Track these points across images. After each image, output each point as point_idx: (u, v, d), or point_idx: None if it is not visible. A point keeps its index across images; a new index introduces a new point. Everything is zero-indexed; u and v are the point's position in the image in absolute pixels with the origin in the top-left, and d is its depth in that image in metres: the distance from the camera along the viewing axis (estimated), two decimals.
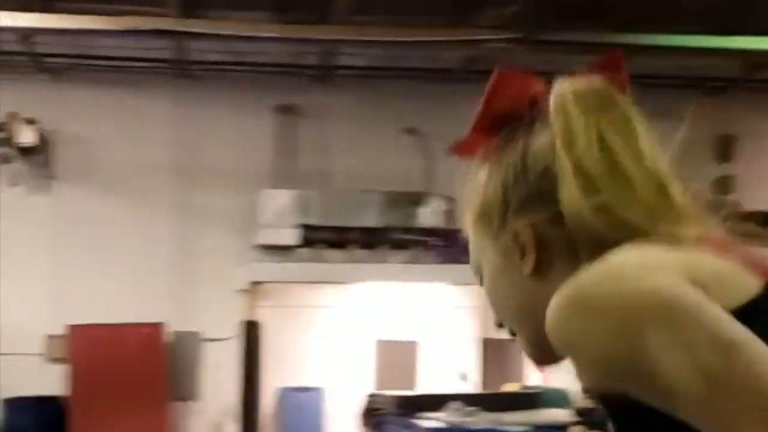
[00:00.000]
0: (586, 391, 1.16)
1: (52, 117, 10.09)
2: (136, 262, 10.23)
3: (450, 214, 9.49)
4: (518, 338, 1.31)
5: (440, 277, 9.33)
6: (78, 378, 9.80)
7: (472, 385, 9.97)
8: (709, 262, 1.16)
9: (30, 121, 9.91)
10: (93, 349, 9.84)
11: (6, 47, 9.58)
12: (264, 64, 10.08)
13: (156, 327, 9.86)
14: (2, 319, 10.06)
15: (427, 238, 9.55)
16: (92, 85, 10.20)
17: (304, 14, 8.77)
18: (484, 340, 10.11)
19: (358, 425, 8.89)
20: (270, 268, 9.59)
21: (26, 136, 9.90)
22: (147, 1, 8.48)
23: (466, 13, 8.65)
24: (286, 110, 10.30)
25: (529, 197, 1.27)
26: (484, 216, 1.33)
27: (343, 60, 9.97)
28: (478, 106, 1.36)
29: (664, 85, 9.68)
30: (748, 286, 1.15)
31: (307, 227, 9.63)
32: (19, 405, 9.73)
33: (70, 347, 9.82)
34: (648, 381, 1.04)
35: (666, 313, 1.04)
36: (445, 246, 9.37)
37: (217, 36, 8.48)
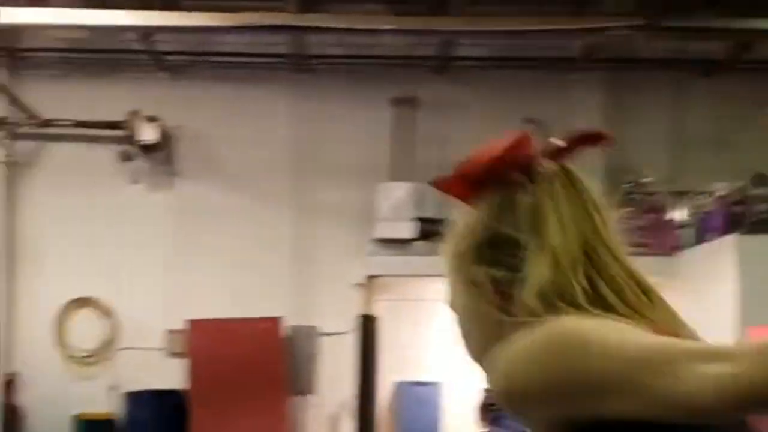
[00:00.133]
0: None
1: (173, 114, 10.41)
2: (255, 257, 10.44)
3: None
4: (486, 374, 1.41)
5: None
6: (197, 372, 10.04)
7: None
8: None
9: (151, 119, 10.22)
10: (212, 344, 10.06)
11: (127, 46, 9.91)
12: (382, 57, 10.24)
13: (274, 321, 10.04)
14: (124, 314, 10.42)
15: None
16: (212, 82, 10.50)
17: (422, 6, 8.86)
18: None
19: (475, 420, 8.88)
20: (387, 262, 9.70)
21: (147, 134, 10.19)
22: None
23: (586, 1, 8.60)
24: (404, 102, 10.40)
25: (499, 253, 1.41)
26: (459, 258, 1.46)
27: (462, 51, 10.06)
28: (476, 156, 1.46)
29: None
30: None
31: (424, 220, 9.70)
32: (139, 398, 10.04)
33: (189, 342, 10.09)
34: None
35: (586, 348, 1.24)
36: None
37: (335, 30, 8.63)
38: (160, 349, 10.34)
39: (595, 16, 8.61)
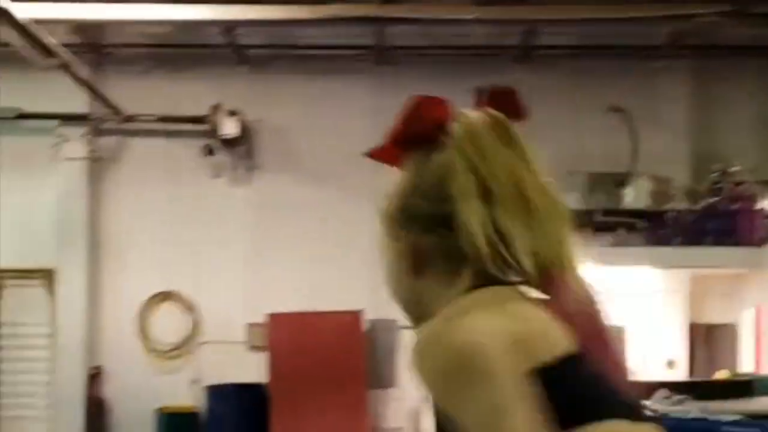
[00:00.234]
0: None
1: (254, 108, 10.61)
2: (335, 250, 10.56)
3: (657, 194, 9.40)
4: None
5: (647, 261, 9.24)
6: (278, 366, 10.19)
7: (680, 372, 9.83)
8: (539, 317, 1.44)
9: (232, 113, 10.38)
10: (292, 338, 10.19)
11: (209, 40, 10.09)
12: (463, 47, 10.32)
13: (354, 315, 10.14)
14: (205, 308, 10.60)
15: (633, 220, 9.48)
16: (293, 75, 10.67)
17: None
18: (692, 325, 9.96)
19: None
20: None
21: (229, 128, 10.37)
22: None
23: None
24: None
25: (421, 210, 1.53)
26: (387, 218, 1.62)
27: (544, 39, 10.07)
28: (395, 123, 1.60)
29: None
30: (563, 342, 1.44)
31: None
32: (220, 392, 10.22)
33: (270, 335, 10.24)
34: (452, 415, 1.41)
35: (467, 373, 1.37)
36: (652, 228, 9.29)
37: (417, 20, 8.68)
38: (241, 343, 10.49)
39: (682, 2, 8.56)
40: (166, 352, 10.72)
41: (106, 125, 10.63)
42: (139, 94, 10.56)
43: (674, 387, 7.94)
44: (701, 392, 7.80)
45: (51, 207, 10.61)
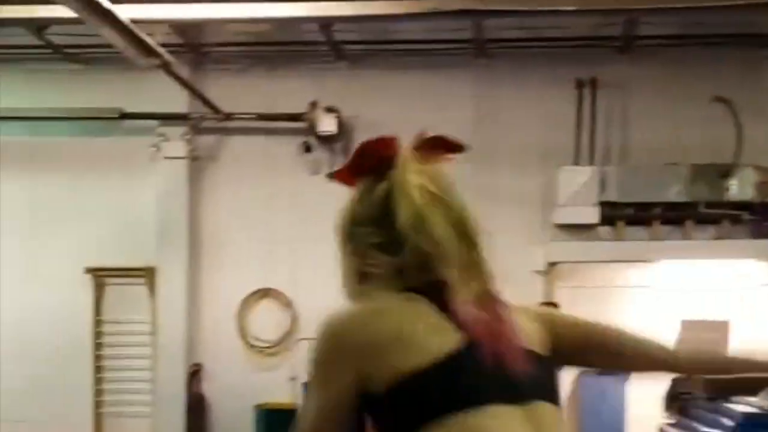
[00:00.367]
0: None
1: (351, 104, 10.81)
2: None
3: (762, 186, 9.32)
4: None
5: (752, 253, 9.17)
6: None
7: None
8: (416, 327, 1.77)
9: (330, 110, 10.56)
10: None
11: (306, 37, 10.28)
12: (563, 39, 10.36)
13: None
14: (302, 304, 10.79)
15: (738, 212, 9.41)
16: (390, 70, 10.84)
17: None
18: None
19: (662, 409, 8.86)
20: (569, 248, 9.79)
21: (326, 125, 10.57)
22: None
23: None
24: (586, 84, 10.45)
25: (362, 227, 1.88)
26: (340, 231, 1.96)
27: (645, 29, 10.05)
28: (351, 155, 1.94)
29: None
30: (447, 343, 1.75)
31: (607, 204, 9.76)
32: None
33: None
34: None
35: (312, 369, 1.82)
36: (756, 220, 9.22)
37: (516, 12, 8.70)
38: None
39: None
40: (264, 349, 10.93)
41: (205, 124, 10.93)
42: (237, 92, 10.82)
43: None
44: None
45: (151, 206, 10.90)
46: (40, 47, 10.60)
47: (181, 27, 10.07)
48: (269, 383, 10.70)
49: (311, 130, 10.66)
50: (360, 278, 1.94)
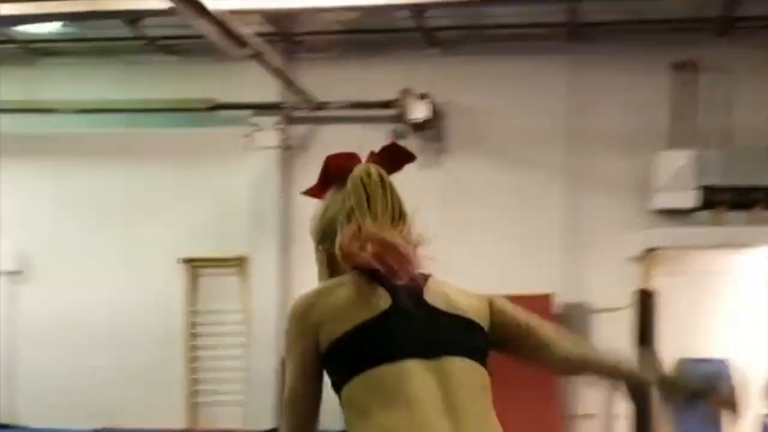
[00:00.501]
0: None
1: (444, 90, 10.86)
2: (526, 232, 10.71)
3: None
4: None
5: None
6: None
7: None
8: (349, 296, 2.21)
9: (422, 96, 10.63)
10: None
11: (398, 24, 10.34)
12: (660, 21, 10.29)
13: (545, 298, 10.22)
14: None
15: None
16: (483, 56, 10.85)
17: None
18: None
19: (763, 399, 8.77)
20: (666, 234, 9.72)
21: (419, 111, 10.64)
22: None
23: None
24: (684, 67, 10.38)
25: (325, 231, 2.29)
26: (312, 233, 2.36)
27: (746, 10, 9.93)
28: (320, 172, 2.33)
29: None
30: (380, 304, 2.20)
31: (706, 189, 9.67)
32: None
33: None
34: None
35: (285, 342, 2.26)
36: None
37: None
38: None
39: None
40: None
41: (297, 113, 11.08)
42: (329, 81, 10.96)
43: None
44: None
45: (244, 196, 11.08)
46: (135, 39, 10.85)
47: (273, 16, 10.23)
48: None
49: (403, 117, 10.74)
50: (330, 270, 2.30)
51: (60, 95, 11.36)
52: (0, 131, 11.43)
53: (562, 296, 10.33)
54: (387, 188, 2.32)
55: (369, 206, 2.25)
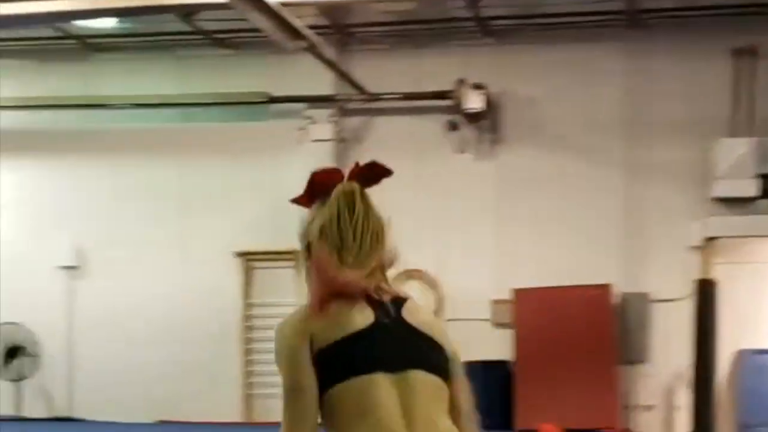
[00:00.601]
0: None
1: (499, 80, 10.86)
2: (583, 222, 10.68)
3: None
4: None
5: None
6: (523, 342, 10.37)
7: None
8: (338, 310, 2.39)
9: (477, 86, 10.62)
10: (538, 313, 10.35)
11: (453, 14, 10.32)
12: (720, 7, 10.22)
13: (603, 288, 10.21)
14: (449, 285, 10.85)
15: None
16: (539, 45, 10.84)
17: None
18: None
19: None
20: (726, 222, 9.65)
21: (473, 102, 10.65)
22: None
23: None
24: (744, 53, 10.30)
25: (310, 243, 2.45)
26: (300, 238, 2.50)
27: None
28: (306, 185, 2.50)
29: None
30: (363, 321, 2.39)
31: (767, 177, 9.51)
32: (466, 369, 10.34)
33: (515, 311, 10.38)
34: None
35: (278, 351, 2.38)
36: None
37: None
38: (485, 320, 10.69)
39: None
40: None
41: (351, 105, 11.13)
42: (383, 72, 11.01)
43: None
44: None
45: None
46: (190, 33, 10.94)
47: (326, 8, 10.28)
48: None
49: (458, 108, 10.74)
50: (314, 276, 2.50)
51: (115, 90, 11.51)
52: (58, 128, 11.58)
53: (621, 286, 10.28)
54: (362, 209, 2.49)
55: (341, 236, 2.44)
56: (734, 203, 9.81)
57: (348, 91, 10.90)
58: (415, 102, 10.93)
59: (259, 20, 8.76)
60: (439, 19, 10.71)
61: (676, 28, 10.46)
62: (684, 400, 10.01)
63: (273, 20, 8.78)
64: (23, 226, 11.77)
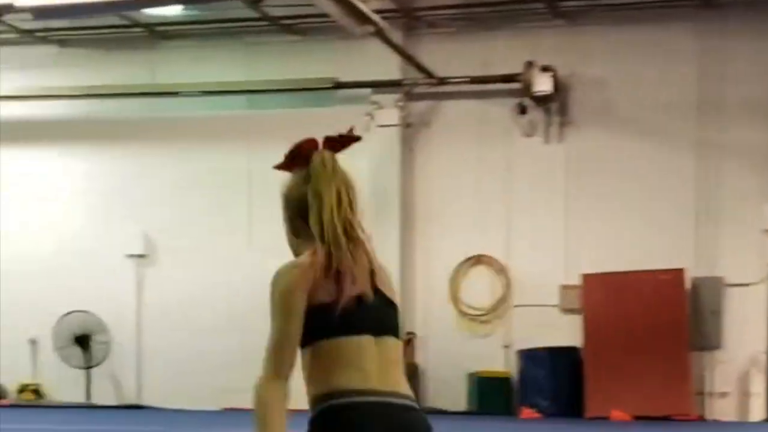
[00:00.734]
0: None
1: (568, 62, 10.83)
2: (654, 205, 10.60)
3: None
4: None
5: None
6: (593, 328, 10.32)
7: None
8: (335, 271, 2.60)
9: (546, 69, 10.57)
10: (608, 298, 10.31)
11: None
12: None
13: (676, 273, 10.13)
14: (517, 270, 10.86)
15: None
16: (609, 26, 10.78)
17: None
18: None
19: None
20: None
21: (542, 84, 10.63)
22: None
23: None
24: None
25: (293, 202, 2.71)
26: (282, 200, 2.74)
27: None
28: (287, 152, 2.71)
29: None
30: (355, 289, 2.61)
31: None
32: (534, 355, 10.50)
33: (584, 297, 10.34)
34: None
35: (275, 297, 2.59)
36: None
37: None
38: (554, 306, 10.66)
39: None
40: (477, 316, 11.04)
41: (418, 90, 11.13)
42: (450, 56, 11.02)
43: None
44: None
45: (365, 175, 11.11)
46: (257, 20, 10.99)
47: None
48: (482, 351, 10.85)
49: (526, 91, 10.71)
50: (294, 235, 2.75)
51: (182, 78, 11.61)
52: (125, 116, 11.69)
53: (694, 271, 10.18)
54: (338, 174, 2.73)
55: (323, 201, 2.70)
56: None
57: (415, 75, 10.91)
58: (482, 85, 10.92)
59: (326, 5, 8.79)
60: (508, 0, 10.71)
61: (748, 7, 10.34)
62: (759, 386, 9.90)
63: (340, 5, 8.80)
64: (92, 215, 11.95)
